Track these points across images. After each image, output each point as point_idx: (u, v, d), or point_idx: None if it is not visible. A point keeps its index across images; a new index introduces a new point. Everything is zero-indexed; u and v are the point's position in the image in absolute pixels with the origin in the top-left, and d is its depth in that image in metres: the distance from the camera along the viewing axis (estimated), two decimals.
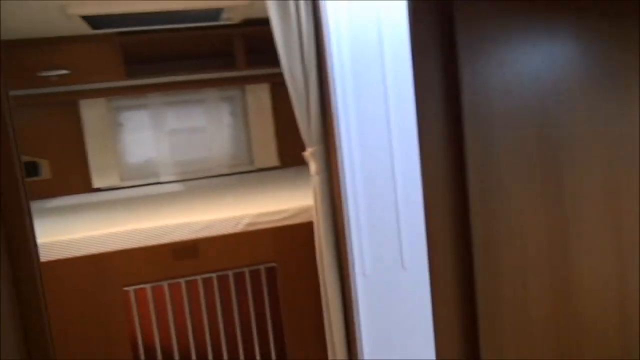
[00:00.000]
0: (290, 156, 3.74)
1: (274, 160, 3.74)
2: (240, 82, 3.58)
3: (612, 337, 1.17)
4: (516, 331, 1.13)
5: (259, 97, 3.67)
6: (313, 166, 2.03)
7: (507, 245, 1.12)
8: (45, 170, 3.46)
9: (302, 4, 1.84)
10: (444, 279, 1.12)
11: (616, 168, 1.22)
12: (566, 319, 1.13)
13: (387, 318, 2.07)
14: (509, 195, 1.14)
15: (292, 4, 1.82)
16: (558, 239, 1.13)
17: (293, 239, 2.47)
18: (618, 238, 1.18)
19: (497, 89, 1.25)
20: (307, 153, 2.03)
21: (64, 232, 2.34)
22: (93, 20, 2.68)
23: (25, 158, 3.41)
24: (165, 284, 2.40)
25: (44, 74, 3.04)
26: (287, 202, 2.54)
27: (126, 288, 2.35)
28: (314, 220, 2.10)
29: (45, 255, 2.25)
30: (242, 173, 3.70)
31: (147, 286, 2.37)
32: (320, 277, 2.14)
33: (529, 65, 1.28)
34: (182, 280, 2.41)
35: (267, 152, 3.71)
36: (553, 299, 1.13)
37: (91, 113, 3.42)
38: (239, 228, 2.42)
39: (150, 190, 3.39)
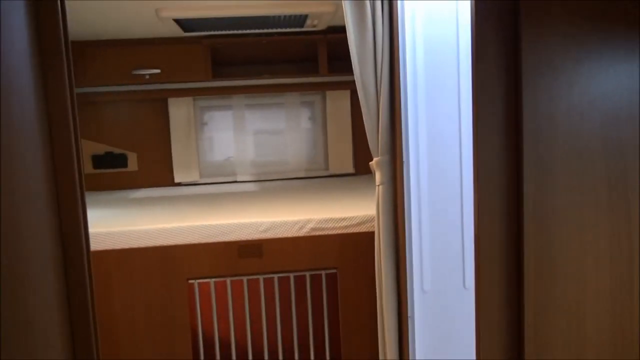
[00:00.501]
0: (365, 164, 3.72)
1: (348, 167, 3.74)
2: (322, 87, 3.62)
3: None
4: None
5: (339, 103, 3.68)
6: (378, 176, 2.01)
7: (562, 276, 1.04)
8: (133, 162, 3.67)
9: (378, 6, 1.82)
10: (491, 303, 1.06)
11: None
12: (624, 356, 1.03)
13: (443, 336, 2.00)
14: (566, 222, 1.06)
15: (368, 5, 1.81)
16: (622, 271, 1.04)
17: (356, 247, 2.45)
18: None
19: (562, 109, 1.16)
20: (373, 162, 2.01)
21: (140, 223, 2.47)
22: (184, 24, 2.81)
23: (116, 150, 3.64)
24: (228, 280, 2.46)
25: (137, 72, 3.24)
26: (354, 210, 2.53)
27: (191, 281, 2.43)
28: (375, 230, 2.07)
29: (118, 244, 2.38)
30: (317, 178, 3.73)
31: (211, 280, 2.44)
32: (377, 288, 2.10)
33: (602, 86, 1.17)
34: (244, 278, 2.46)
35: (343, 158, 3.72)
36: (612, 337, 1.03)
37: (178, 111, 3.59)
38: (303, 232, 2.44)
39: (227, 188, 3.50)
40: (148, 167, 3.66)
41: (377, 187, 2.01)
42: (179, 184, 3.69)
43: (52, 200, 0.97)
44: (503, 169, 1.07)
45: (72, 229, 0.97)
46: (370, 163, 2.04)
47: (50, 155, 0.99)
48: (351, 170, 3.76)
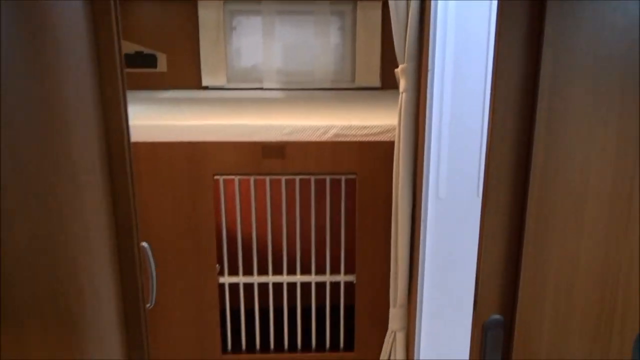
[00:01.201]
0: (392, 78, 3.72)
1: (375, 81, 3.74)
2: None
3: None
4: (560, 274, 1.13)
5: (370, 14, 3.63)
6: (402, 83, 2.04)
7: (565, 180, 1.09)
8: (162, 63, 3.72)
9: None
10: (497, 208, 1.13)
11: None
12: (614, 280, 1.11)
13: (454, 241, 2.10)
14: (577, 127, 1.10)
15: None
16: (627, 172, 1.09)
17: (376, 155, 2.52)
18: None
19: (587, 16, 1.14)
20: (398, 69, 2.04)
21: (171, 119, 2.56)
22: None
23: (146, 50, 3.68)
24: (251, 178, 2.58)
25: None
26: (377, 119, 2.58)
27: (217, 176, 2.55)
28: (396, 137, 2.13)
29: (148, 137, 2.49)
30: (342, 89, 3.75)
31: (235, 178, 2.56)
32: (394, 194, 2.19)
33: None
34: (267, 178, 2.57)
35: (370, 71, 3.72)
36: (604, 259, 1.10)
37: (207, 13, 3.58)
38: (326, 137, 2.51)
39: (253, 94, 3.55)
40: (177, 69, 3.72)
41: (400, 94, 2.05)
42: (206, 88, 3.75)
43: (98, 96, 1.05)
44: (521, 80, 1.10)
45: (116, 122, 1.05)
46: (395, 70, 2.07)
47: (96, 51, 1.05)
48: (377, 83, 3.76)
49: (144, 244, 1.21)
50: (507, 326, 1.17)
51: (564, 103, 1.06)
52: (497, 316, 1.17)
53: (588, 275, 1.10)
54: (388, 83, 3.76)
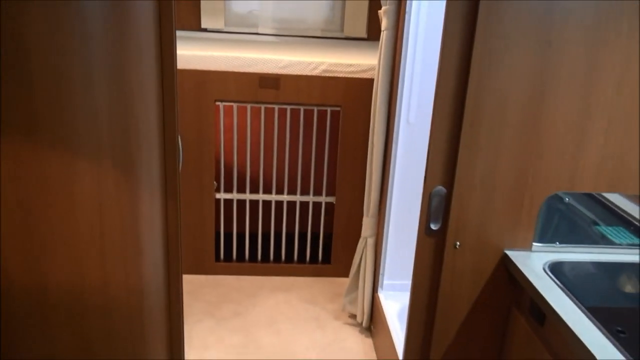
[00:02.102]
0: (377, 30, 4.04)
1: (362, 31, 4.06)
2: None
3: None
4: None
5: None
6: (384, 22, 2.39)
7: (494, 89, 1.46)
8: None
9: None
10: (441, 106, 1.49)
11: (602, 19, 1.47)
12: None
13: (420, 160, 2.49)
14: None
15: None
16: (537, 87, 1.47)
17: (359, 90, 2.88)
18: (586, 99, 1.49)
19: None
20: (381, 11, 2.38)
21: (178, 49, 2.88)
22: None
23: None
24: (248, 106, 2.93)
25: None
26: (362, 60, 2.93)
27: (217, 103, 2.90)
28: (376, 72, 2.49)
29: None
30: (331, 38, 4.07)
31: (234, 104, 2.91)
32: (371, 121, 2.56)
33: None
34: (262, 106, 2.93)
35: (358, 22, 4.03)
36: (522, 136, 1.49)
37: None
38: (316, 72, 2.86)
39: (248, 38, 3.86)
40: (177, 11, 3.99)
41: (382, 32, 2.40)
42: (205, 30, 4.03)
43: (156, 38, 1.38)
44: (465, 9, 1.43)
45: (168, 54, 1.38)
46: (378, 11, 2.42)
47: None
48: (364, 34, 4.08)
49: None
50: (447, 195, 1.55)
51: (497, 30, 1.42)
52: (440, 187, 1.56)
53: (509, 155, 1.49)
54: (374, 35, 4.08)
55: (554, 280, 1.48)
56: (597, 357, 1.16)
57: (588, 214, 1.81)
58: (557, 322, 1.35)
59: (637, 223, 1.77)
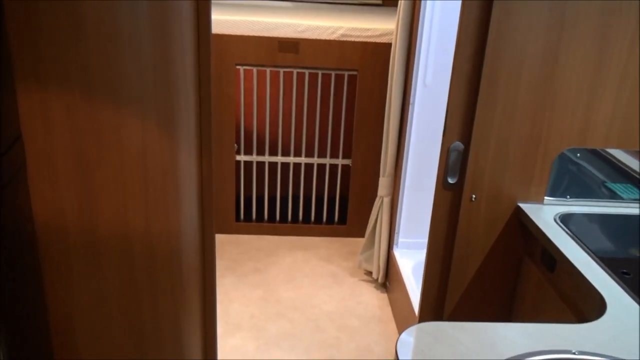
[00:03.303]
0: None
1: None
2: None
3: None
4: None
5: None
6: None
7: (511, 50, 1.53)
8: None
9: None
10: (460, 65, 1.57)
11: None
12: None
13: (436, 121, 2.57)
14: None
15: None
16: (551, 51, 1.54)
17: (376, 54, 2.95)
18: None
19: None
20: None
21: None
22: None
23: None
24: (267, 70, 3.01)
25: None
26: (378, 24, 2.98)
27: (238, 66, 2.97)
28: (394, 36, 2.55)
29: None
30: (347, 4, 4.11)
31: (254, 68, 2.99)
32: (389, 84, 2.64)
33: None
34: (281, 70, 3.01)
35: None
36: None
37: None
38: (334, 36, 2.92)
39: (267, 4, 3.90)
40: None
41: (399, 1, 2.46)
42: None
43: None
44: None
45: (204, 19, 1.46)
46: None
47: None
48: (380, 0, 4.11)
49: None
50: (465, 150, 1.64)
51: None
52: (458, 142, 1.65)
53: (524, 112, 1.57)
54: (389, 1, 4.12)
55: (564, 230, 1.57)
56: (603, 294, 1.27)
57: (597, 172, 1.89)
58: (567, 267, 1.45)
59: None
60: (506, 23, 1.51)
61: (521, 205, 1.69)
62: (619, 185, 1.88)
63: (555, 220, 1.63)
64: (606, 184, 1.89)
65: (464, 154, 1.65)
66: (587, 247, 1.49)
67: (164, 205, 1.45)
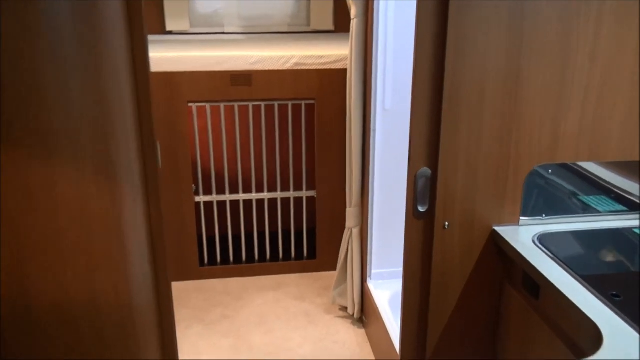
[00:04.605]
0: (344, 22, 4.03)
1: (329, 24, 4.05)
2: None
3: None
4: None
5: None
6: (353, 10, 2.37)
7: (471, 68, 1.46)
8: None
9: None
10: (420, 83, 1.49)
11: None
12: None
13: (398, 145, 2.49)
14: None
15: None
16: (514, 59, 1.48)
17: (332, 81, 2.87)
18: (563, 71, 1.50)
19: None
20: None
21: None
22: None
23: None
24: (221, 105, 2.89)
25: None
26: (332, 51, 2.91)
27: (190, 104, 2.85)
28: (349, 60, 2.48)
29: None
30: (299, 33, 4.05)
31: (207, 104, 2.87)
32: (347, 111, 2.55)
33: None
34: (235, 104, 2.89)
35: (324, 15, 4.02)
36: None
37: None
38: (287, 66, 2.84)
39: (216, 37, 3.81)
40: None
41: (351, 20, 2.39)
42: (170, 32, 3.97)
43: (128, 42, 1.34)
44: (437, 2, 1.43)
45: (141, 59, 1.35)
46: (347, 1, 2.40)
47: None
48: (331, 27, 4.07)
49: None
50: (433, 176, 1.55)
51: (470, 10, 1.42)
52: (425, 168, 1.55)
53: (490, 132, 1.49)
54: (341, 27, 4.07)
55: (544, 252, 1.48)
56: (597, 322, 1.17)
57: (570, 186, 1.83)
58: (552, 292, 1.35)
59: (617, 191, 1.80)
60: (464, 41, 1.44)
61: (496, 228, 1.60)
62: (592, 197, 1.81)
63: (533, 241, 1.54)
64: (580, 198, 1.82)
65: (432, 180, 1.56)
66: (571, 268, 1.40)
67: (108, 265, 1.30)
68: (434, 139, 1.54)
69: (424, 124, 1.52)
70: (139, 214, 1.41)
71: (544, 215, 1.64)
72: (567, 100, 1.52)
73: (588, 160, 1.59)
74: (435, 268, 1.62)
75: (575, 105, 1.53)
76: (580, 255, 1.60)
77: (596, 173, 1.84)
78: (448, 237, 1.60)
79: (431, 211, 1.58)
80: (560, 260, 1.43)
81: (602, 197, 1.81)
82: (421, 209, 1.58)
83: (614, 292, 1.28)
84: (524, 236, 1.57)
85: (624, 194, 1.78)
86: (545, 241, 1.54)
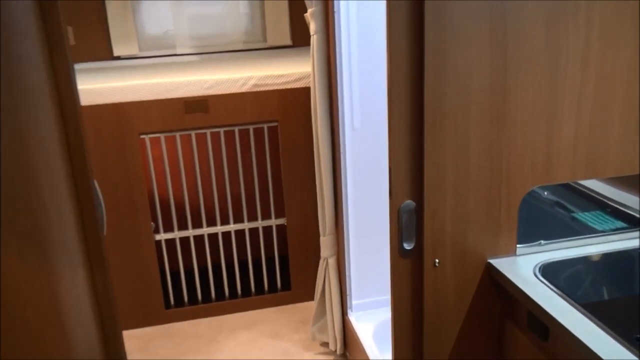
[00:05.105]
0: (302, 36, 3.86)
1: (286, 39, 3.87)
2: None
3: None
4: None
5: None
6: (312, 26, 2.20)
7: (453, 85, 1.29)
8: (69, 37, 3.66)
9: None
10: (398, 112, 1.31)
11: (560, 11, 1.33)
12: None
13: (370, 166, 2.31)
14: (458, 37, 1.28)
15: None
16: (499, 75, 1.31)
17: (295, 101, 2.68)
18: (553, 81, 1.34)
19: None
20: (308, 13, 2.19)
21: (91, 83, 2.58)
22: None
23: None
24: (177, 135, 2.66)
25: None
26: (292, 69, 2.72)
27: (142, 136, 2.62)
28: (311, 78, 2.29)
29: None
30: (255, 50, 3.85)
31: (161, 135, 2.64)
32: (314, 132, 2.36)
33: None
34: (192, 132, 2.67)
35: (280, 30, 3.84)
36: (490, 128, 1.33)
37: None
38: (245, 88, 2.63)
39: (168, 60, 3.58)
40: (85, 41, 3.66)
41: (311, 36, 2.21)
42: (118, 57, 3.73)
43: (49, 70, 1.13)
44: (411, 9, 1.25)
45: (67, 90, 1.13)
46: (305, 15, 2.22)
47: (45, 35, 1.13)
48: (289, 42, 3.89)
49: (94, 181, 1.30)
50: (418, 209, 1.37)
51: (447, 23, 1.25)
52: (409, 201, 1.38)
53: (478, 155, 1.32)
54: (299, 41, 3.90)
55: (548, 286, 1.32)
56: None
57: (564, 203, 1.68)
58: (563, 334, 1.18)
59: (614, 205, 1.65)
60: (443, 57, 1.27)
61: (492, 261, 1.43)
62: (588, 214, 1.66)
63: (535, 274, 1.37)
64: (576, 216, 1.67)
65: (418, 213, 1.38)
66: (581, 299, 1.24)
67: (43, 353, 1.07)
68: (416, 167, 1.36)
69: (405, 150, 1.34)
70: (82, 285, 1.18)
71: (541, 241, 1.48)
72: (559, 113, 1.36)
73: (585, 178, 1.44)
74: (427, 310, 1.44)
75: (569, 117, 1.37)
76: (590, 285, 1.44)
77: (589, 186, 1.70)
78: (440, 276, 1.42)
79: (419, 248, 1.40)
80: (569, 296, 1.27)
81: (598, 212, 1.67)
82: (407, 246, 1.40)
83: (638, 335, 1.12)
84: (523, 268, 1.40)
85: (621, 208, 1.64)
86: (548, 273, 1.37)
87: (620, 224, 1.59)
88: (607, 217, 1.64)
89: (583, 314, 1.21)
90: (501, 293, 1.45)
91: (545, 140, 1.37)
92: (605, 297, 1.43)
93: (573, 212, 1.68)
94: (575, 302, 1.25)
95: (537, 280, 1.35)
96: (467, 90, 1.30)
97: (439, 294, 1.43)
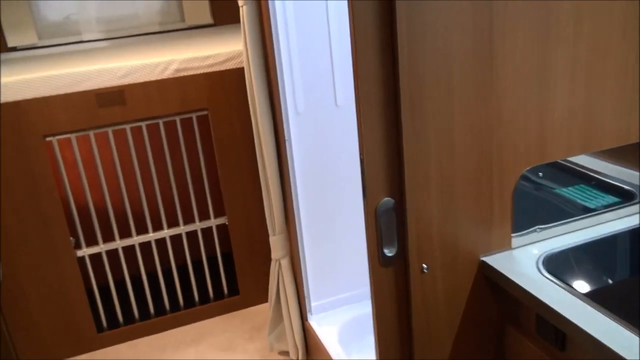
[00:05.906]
0: (224, 13, 3.52)
1: (206, 17, 3.51)
2: None
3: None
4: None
5: None
6: None
7: (431, 54, 1.05)
8: None
9: None
10: (367, 94, 1.06)
11: None
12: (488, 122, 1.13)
13: (319, 154, 2.06)
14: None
15: None
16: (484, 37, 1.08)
17: (225, 84, 2.37)
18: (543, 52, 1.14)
19: None
20: None
21: None
22: None
23: None
24: (90, 133, 2.29)
25: None
26: (219, 48, 2.41)
27: (48, 138, 2.23)
28: (244, 57, 2.00)
29: None
30: (173, 31, 3.47)
31: (71, 136, 2.26)
32: (253, 119, 2.08)
33: None
34: (108, 129, 2.31)
35: (199, 7, 3.47)
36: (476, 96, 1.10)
37: None
38: (167, 74, 2.29)
39: (73, 48, 3.14)
40: None
41: (240, 8, 1.90)
42: (14, 49, 3.24)
43: None
44: None
45: None
46: None
47: None
48: (210, 20, 3.53)
49: None
50: (397, 207, 1.14)
51: None
52: (387, 199, 1.14)
53: (463, 137, 1.10)
54: (222, 18, 3.55)
55: (557, 284, 1.12)
56: None
57: (547, 182, 1.49)
58: (586, 341, 0.99)
59: (594, 175, 1.49)
60: (420, 26, 1.02)
61: (485, 259, 1.22)
62: (571, 189, 1.49)
63: (538, 269, 1.18)
64: (558, 192, 1.49)
65: (399, 213, 1.14)
66: (596, 296, 1.05)
67: None
68: (394, 159, 1.12)
69: (379, 139, 1.09)
70: None
71: (537, 229, 1.28)
72: (552, 82, 1.16)
73: (582, 152, 1.25)
74: (416, 322, 1.22)
75: (562, 87, 1.17)
76: (600, 273, 1.27)
77: (586, 165, 1.52)
78: (429, 283, 1.19)
79: (402, 254, 1.17)
80: (586, 295, 1.08)
81: (582, 185, 1.50)
82: (389, 252, 1.16)
83: None
84: (523, 263, 1.20)
85: (607, 180, 1.48)
86: (553, 267, 1.18)
87: (611, 198, 1.43)
88: (594, 191, 1.47)
89: (607, 315, 1.02)
90: (499, 294, 1.24)
91: (537, 113, 1.17)
92: (619, 283, 1.26)
93: (554, 188, 1.51)
94: (591, 297, 1.06)
95: (542, 276, 1.15)
96: (448, 63, 1.06)
97: (428, 302, 1.21)
